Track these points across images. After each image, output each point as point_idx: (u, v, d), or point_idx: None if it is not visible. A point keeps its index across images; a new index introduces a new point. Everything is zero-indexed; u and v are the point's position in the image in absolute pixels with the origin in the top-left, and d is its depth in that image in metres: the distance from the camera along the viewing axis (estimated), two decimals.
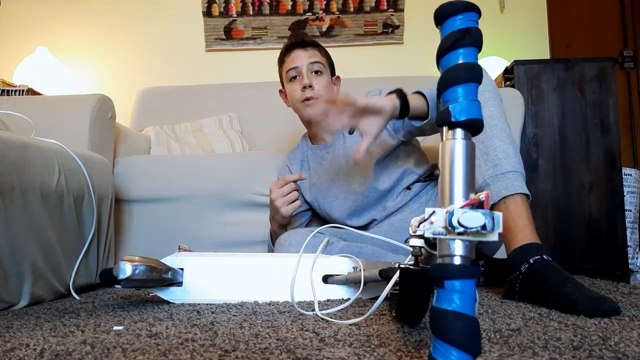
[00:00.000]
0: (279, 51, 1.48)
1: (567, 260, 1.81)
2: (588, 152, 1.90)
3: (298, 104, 1.41)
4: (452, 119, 0.43)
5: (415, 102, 1.05)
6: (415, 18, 2.64)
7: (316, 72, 1.39)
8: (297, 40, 1.41)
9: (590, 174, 1.89)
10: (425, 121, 1.10)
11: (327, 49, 1.48)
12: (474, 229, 0.39)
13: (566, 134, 1.91)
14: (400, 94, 1.04)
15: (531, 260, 0.90)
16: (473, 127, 0.44)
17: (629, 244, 1.94)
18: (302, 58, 1.39)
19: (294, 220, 1.53)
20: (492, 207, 0.99)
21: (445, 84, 0.44)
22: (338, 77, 1.48)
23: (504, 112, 1.05)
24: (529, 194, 0.99)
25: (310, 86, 1.37)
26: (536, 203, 1.85)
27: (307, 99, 1.37)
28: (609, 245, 1.86)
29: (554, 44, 2.63)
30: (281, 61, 1.45)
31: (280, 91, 1.51)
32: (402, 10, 2.63)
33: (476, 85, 0.44)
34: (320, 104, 1.39)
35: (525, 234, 0.94)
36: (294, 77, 1.40)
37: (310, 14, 2.64)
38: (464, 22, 0.45)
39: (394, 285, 0.72)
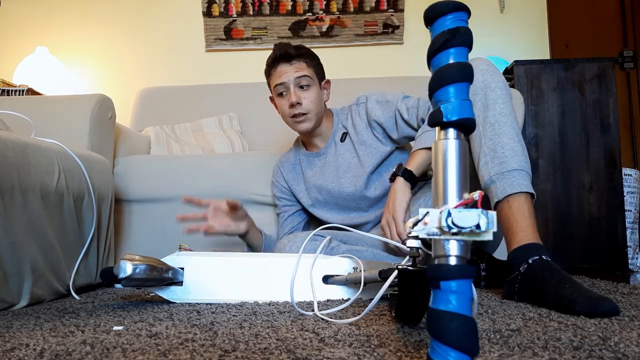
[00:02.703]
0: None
1: (567, 260, 1.81)
2: (588, 152, 1.90)
3: (288, 119, 1.40)
4: (444, 119, 0.43)
5: (418, 162, 1.22)
6: (415, 18, 2.64)
7: (303, 86, 1.36)
8: (281, 53, 1.36)
9: (590, 174, 1.89)
10: None
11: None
12: (468, 229, 0.39)
13: (566, 134, 1.92)
14: (405, 173, 1.20)
15: (530, 261, 0.90)
16: (465, 126, 0.44)
17: (629, 244, 1.94)
18: (288, 73, 1.35)
19: (289, 221, 1.53)
20: (496, 205, 0.99)
21: (436, 84, 0.44)
22: (328, 81, 1.45)
23: (513, 109, 1.05)
24: (534, 193, 0.98)
25: (298, 103, 1.35)
26: (536, 203, 1.85)
27: (296, 116, 1.36)
28: (609, 245, 1.86)
29: (554, 44, 2.63)
30: (267, 73, 1.42)
31: (270, 98, 1.49)
32: (402, 10, 2.63)
33: (467, 85, 0.44)
34: (309, 119, 1.38)
35: (526, 233, 0.94)
36: (282, 92, 1.38)
37: (310, 14, 2.64)
38: (453, 22, 0.45)
39: (394, 285, 0.73)
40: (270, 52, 1.44)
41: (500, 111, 1.02)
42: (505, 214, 0.97)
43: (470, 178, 1.13)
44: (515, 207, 0.96)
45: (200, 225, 1.27)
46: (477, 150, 1.04)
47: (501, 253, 1.32)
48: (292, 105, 1.35)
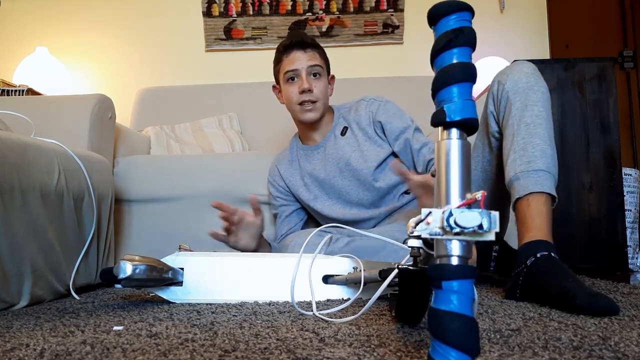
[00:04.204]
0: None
1: (567, 260, 1.80)
2: (588, 152, 1.90)
3: (295, 106, 1.39)
4: (447, 119, 0.43)
5: None
6: (415, 18, 2.63)
7: (315, 74, 1.37)
8: (297, 40, 1.37)
9: (590, 174, 1.89)
10: None
11: (327, 49, 1.47)
12: (470, 229, 0.39)
13: (566, 134, 1.91)
14: None
15: (538, 255, 0.90)
16: (468, 126, 0.44)
17: (629, 244, 1.94)
18: (301, 60, 1.36)
19: (287, 222, 1.52)
20: (516, 201, 0.99)
21: (439, 84, 0.44)
22: (333, 77, 1.47)
23: (551, 116, 1.06)
24: (556, 196, 0.99)
25: (309, 90, 1.35)
26: None
27: (304, 103, 1.37)
28: (609, 245, 1.86)
29: (554, 44, 2.63)
30: (278, 59, 1.42)
31: (274, 87, 1.49)
32: (402, 10, 2.63)
33: (470, 85, 0.44)
34: (317, 108, 1.38)
35: (539, 231, 0.94)
36: (292, 78, 1.38)
37: (310, 14, 2.64)
38: (457, 22, 0.45)
39: (394, 285, 0.73)
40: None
41: (537, 113, 1.04)
42: (522, 210, 0.98)
43: (500, 177, 1.14)
44: (534, 205, 0.97)
45: (220, 234, 1.28)
46: (508, 147, 1.05)
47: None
48: (303, 92, 1.35)
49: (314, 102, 1.37)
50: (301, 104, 1.37)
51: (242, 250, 1.33)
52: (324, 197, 1.45)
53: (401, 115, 1.39)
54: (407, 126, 1.37)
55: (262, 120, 2.29)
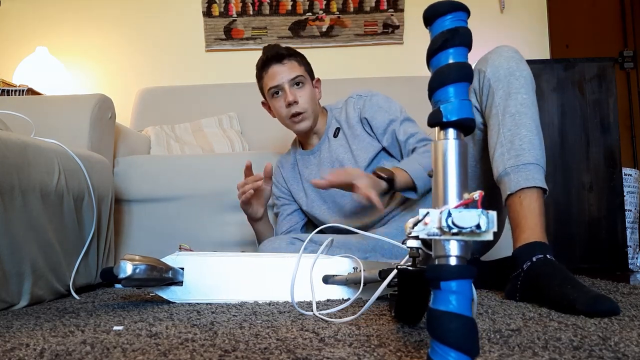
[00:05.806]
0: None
1: (567, 260, 1.81)
2: (588, 152, 1.90)
3: (286, 121, 1.40)
4: (444, 119, 0.43)
5: (400, 179, 1.18)
6: (415, 18, 2.63)
7: (297, 84, 1.36)
8: (272, 54, 1.36)
9: (590, 174, 1.89)
10: (417, 194, 1.21)
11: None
12: (468, 229, 0.39)
13: (566, 134, 1.92)
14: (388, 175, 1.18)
15: (534, 259, 0.90)
16: (465, 126, 0.44)
17: (629, 244, 1.94)
18: (281, 74, 1.35)
19: (287, 220, 1.52)
20: (507, 198, 0.98)
21: (436, 84, 0.44)
22: (318, 80, 1.46)
23: (536, 101, 1.03)
24: (547, 188, 0.97)
25: (295, 102, 1.35)
26: None
27: (294, 115, 1.36)
28: (609, 245, 1.86)
29: (554, 44, 2.63)
30: (259, 76, 1.41)
31: (263, 103, 1.49)
32: (402, 10, 2.63)
33: (467, 85, 0.44)
34: (307, 117, 1.38)
35: (534, 232, 0.93)
36: (277, 93, 1.37)
37: (310, 14, 2.64)
38: (453, 22, 0.45)
39: (394, 285, 0.73)
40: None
41: (522, 101, 1.01)
42: (515, 209, 0.97)
43: (485, 171, 1.12)
44: (526, 203, 0.95)
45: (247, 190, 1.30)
46: (494, 140, 1.02)
47: (500, 253, 1.32)
48: (289, 105, 1.35)
49: (301, 112, 1.36)
50: (290, 117, 1.37)
51: (253, 217, 1.39)
52: (320, 202, 1.45)
53: (388, 108, 1.37)
54: (393, 119, 1.35)
55: (262, 120, 2.28)
